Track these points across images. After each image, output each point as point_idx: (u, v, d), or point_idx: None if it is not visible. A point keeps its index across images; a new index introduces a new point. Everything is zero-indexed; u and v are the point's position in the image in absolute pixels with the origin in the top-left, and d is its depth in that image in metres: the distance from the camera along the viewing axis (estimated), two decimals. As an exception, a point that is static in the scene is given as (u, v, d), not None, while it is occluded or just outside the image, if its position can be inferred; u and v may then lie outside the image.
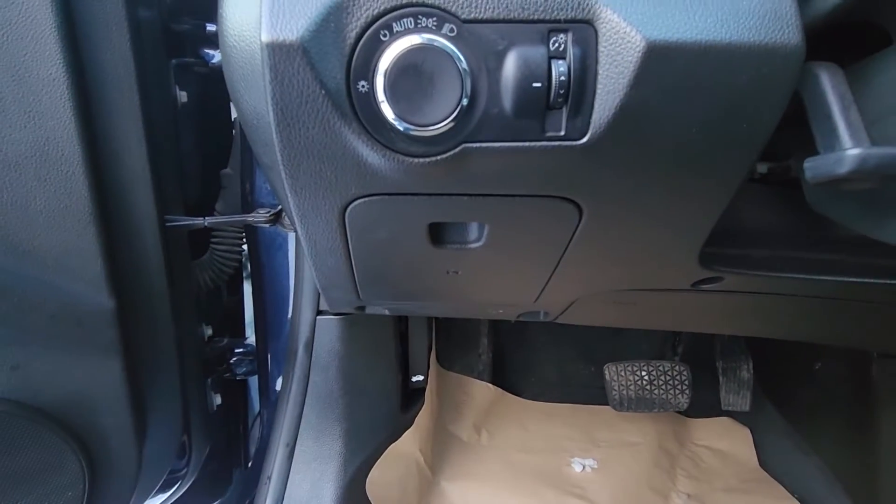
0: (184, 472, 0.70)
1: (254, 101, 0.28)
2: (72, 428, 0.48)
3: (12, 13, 0.38)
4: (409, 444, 0.77)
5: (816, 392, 0.95)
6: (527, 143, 0.27)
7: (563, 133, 0.27)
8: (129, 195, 0.48)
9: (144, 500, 0.61)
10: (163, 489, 0.68)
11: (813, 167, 0.28)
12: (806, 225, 0.47)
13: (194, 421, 0.65)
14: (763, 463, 0.99)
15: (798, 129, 0.32)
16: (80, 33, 0.41)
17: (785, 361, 1.00)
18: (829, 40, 0.29)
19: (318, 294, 0.63)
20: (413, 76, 0.24)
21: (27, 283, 0.43)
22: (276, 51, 0.23)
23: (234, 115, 0.66)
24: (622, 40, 0.25)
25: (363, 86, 0.25)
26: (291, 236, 0.68)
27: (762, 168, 0.45)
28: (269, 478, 0.66)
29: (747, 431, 1.02)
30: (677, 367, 0.96)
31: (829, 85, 0.28)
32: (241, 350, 0.77)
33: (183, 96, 0.58)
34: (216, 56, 0.61)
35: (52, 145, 0.41)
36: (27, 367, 0.45)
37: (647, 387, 0.95)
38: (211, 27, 0.59)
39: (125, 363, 0.49)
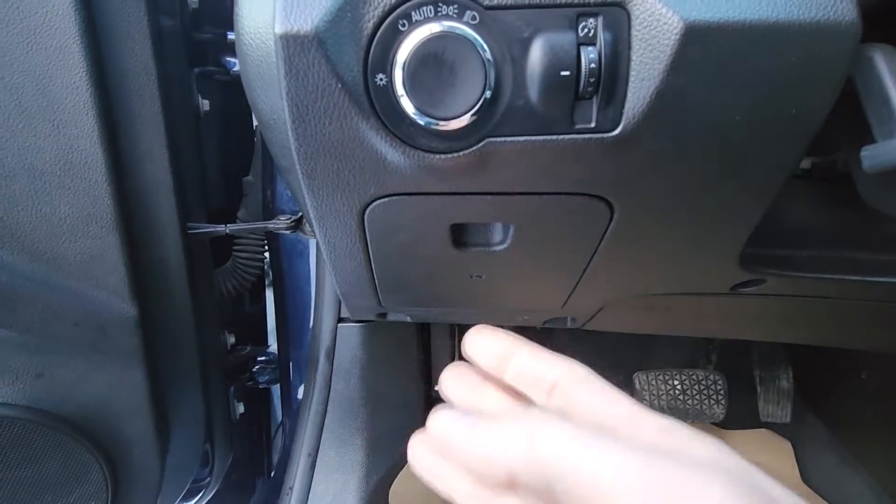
0: (207, 480, 0.70)
1: (270, 99, 0.28)
2: (95, 436, 0.48)
3: (36, 22, 0.38)
4: (432, 456, 0.75)
5: (863, 402, 0.89)
6: (554, 137, 0.25)
7: (593, 125, 0.25)
8: (152, 203, 0.48)
9: (168, 510, 0.61)
10: (186, 498, 0.68)
11: (871, 156, 0.25)
12: (855, 223, 0.44)
13: (217, 430, 0.65)
14: (806, 478, 0.94)
15: (846, 119, 0.30)
16: (103, 42, 0.42)
17: (828, 370, 0.94)
18: (883, 21, 0.27)
19: (340, 301, 0.62)
20: (433, 67, 0.23)
21: (51, 291, 0.43)
22: (291, 43, 0.22)
23: (255, 122, 0.66)
24: (657, 22, 0.23)
25: (381, 79, 0.23)
26: (312, 243, 0.67)
27: (806, 163, 0.42)
28: (291, 488, 0.65)
29: (788, 444, 0.97)
30: (712, 376, 0.92)
31: (886, 67, 0.26)
32: (263, 358, 0.77)
33: (205, 104, 0.58)
34: (237, 64, 0.61)
35: (76, 153, 0.42)
36: (51, 375, 0.45)
37: (680, 396, 0.91)
38: (232, 35, 0.59)
39: (148, 371, 0.49)
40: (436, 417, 0.23)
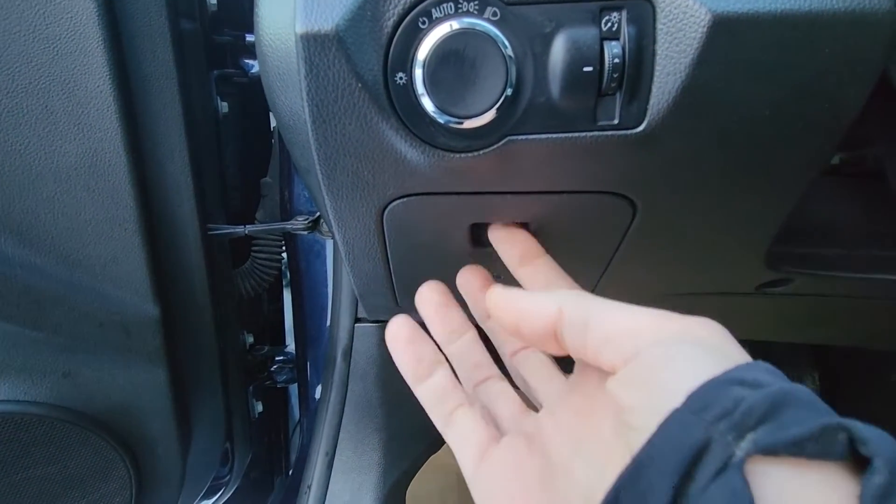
0: (227, 478, 0.71)
1: (290, 100, 0.28)
2: (120, 435, 0.49)
3: (62, 28, 0.39)
4: (449, 456, 0.75)
5: (891, 406, 0.87)
6: (577, 134, 0.25)
7: (616, 121, 0.25)
8: (173, 204, 0.48)
9: (189, 507, 0.62)
10: (206, 496, 0.69)
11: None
12: (885, 220, 0.43)
13: (237, 428, 0.66)
14: (833, 483, 0.91)
15: (878, 113, 0.28)
16: (126, 46, 0.42)
17: (856, 372, 0.92)
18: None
19: (357, 301, 0.62)
20: (454, 65, 0.23)
21: (77, 292, 0.44)
22: (311, 42, 0.22)
23: (273, 123, 0.67)
24: (684, 15, 0.22)
25: (401, 77, 0.23)
26: (329, 243, 0.67)
27: (834, 158, 0.41)
28: (309, 487, 0.66)
29: None
30: (733, 378, 0.90)
31: (923, 58, 0.25)
32: (281, 358, 0.78)
33: (224, 107, 0.59)
34: (255, 66, 0.62)
35: (100, 156, 0.42)
36: (77, 374, 0.46)
37: (701, 398, 0.90)
38: (250, 38, 0.60)
39: (170, 371, 0.49)
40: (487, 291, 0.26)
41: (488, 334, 0.30)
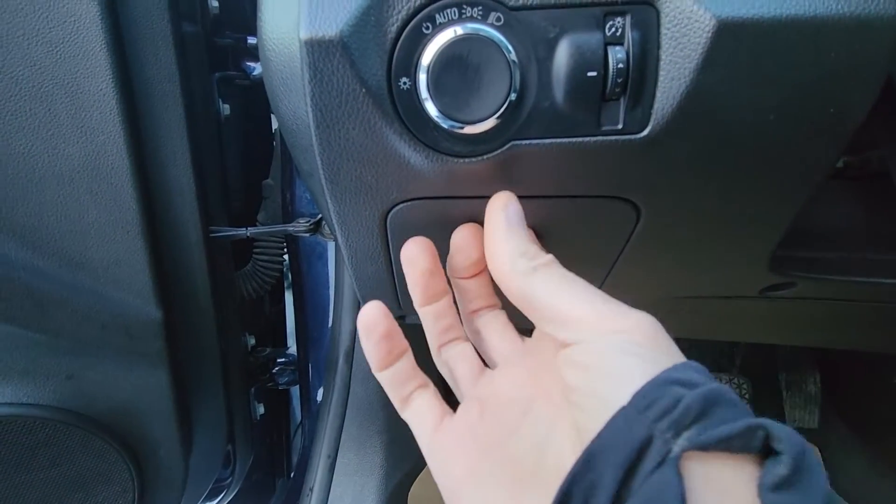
0: (229, 481, 0.71)
1: (293, 104, 0.28)
2: (122, 437, 0.49)
3: (64, 32, 0.39)
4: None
5: (893, 408, 0.86)
6: (581, 139, 0.25)
7: (620, 126, 0.25)
8: (175, 207, 0.48)
9: (191, 509, 0.62)
10: (208, 498, 0.69)
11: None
12: (889, 224, 0.43)
13: (238, 430, 0.66)
14: (835, 485, 0.91)
15: (883, 117, 0.28)
16: (129, 50, 0.42)
17: (857, 374, 0.92)
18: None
19: (359, 304, 0.62)
20: (458, 70, 0.23)
21: (80, 295, 0.44)
22: (315, 48, 0.22)
23: (275, 126, 0.67)
24: (688, 20, 0.22)
25: (405, 83, 0.23)
26: (331, 245, 0.67)
27: (838, 161, 0.41)
28: (311, 489, 0.66)
29: (815, 450, 0.94)
30: (736, 380, 0.90)
31: (929, 62, 0.25)
32: (283, 360, 0.78)
33: (226, 109, 0.59)
34: (257, 68, 0.62)
35: (103, 159, 0.42)
36: (80, 376, 0.46)
37: (703, 400, 0.89)
38: (252, 40, 0.60)
39: (172, 373, 0.49)
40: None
41: (456, 292, 0.31)
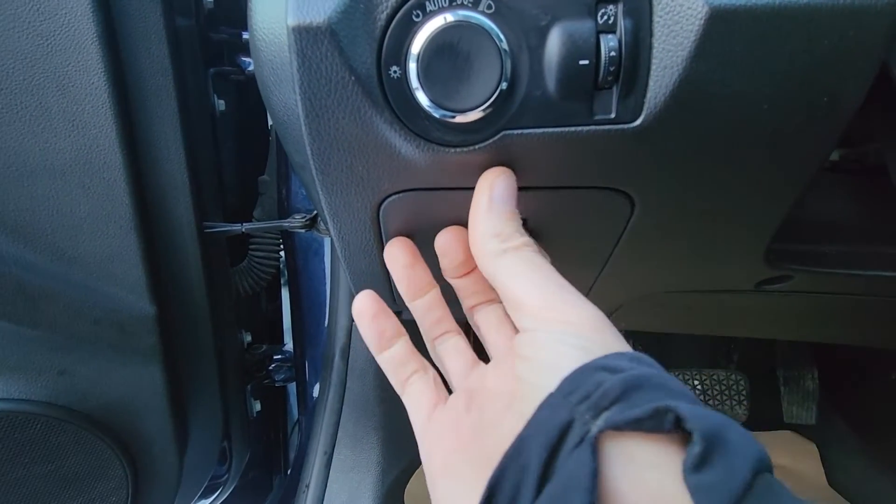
0: (225, 477, 0.71)
1: (284, 95, 0.27)
2: (116, 433, 0.49)
3: (55, 24, 0.39)
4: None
5: (892, 404, 0.86)
6: (573, 129, 0.25)
7: (613, 116, 0.24)
8: (169, 202, 0.48)
9: (187, 506, 0.62)
10: (204, 495, 0.69)
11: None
12: (886, 216, 0.43)
13: (234, 427, 0.65)
14: (832, 481, 0.91)
15: (879, 108, 0.28)
16: (121, 43, 0.42)
17: (856, 370, 0.92)
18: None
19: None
20: (448, 58, 0.23)
21: (72, 290, 0.44)
22: (303, 35, 0.22)
23: (270, 121, 0.67)
24: (681, 8, 0.22)
25: (395, 71, 0.23)
26: (327, 241, 0.67)
27: (834, 154, 0.41)
28: (308, 486, 0.66)
29: (813, 447, 0.94)
30: (733, 376, 0.90)
31: (924, 51, 0.24)
32: (279, 357, 0.77)
33: (221, 104, 0.58)
34: (252, 64, 0.61)
35: (95, 153, 0.42)
36: (73, 372, 0.46)
37: (701, 397, 0.89)
38: (247, 35, 0.60)
39: (166, 369, 0.49)
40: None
41: (456, 290, 0.32)
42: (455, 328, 0.31)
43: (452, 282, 0.31)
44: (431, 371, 0.30)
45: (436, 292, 0.31)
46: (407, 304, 0.31)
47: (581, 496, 0.17)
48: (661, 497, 0.18)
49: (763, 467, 0.17)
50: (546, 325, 0.23)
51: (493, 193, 0.25)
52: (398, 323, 0.31)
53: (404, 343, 0.30)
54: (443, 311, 0.31)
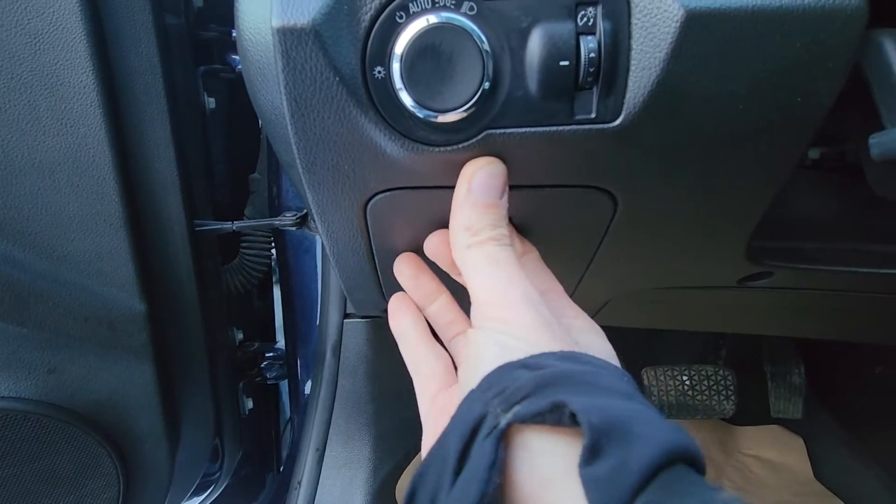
0: (217, 475, 0.71)
1: (270, 94, 0.28)
2: (107, 431, 0.49)
3: (44, 23, 0.39)
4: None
5: (877, 398, 0.88)
6: (554, 128, 0.25)
7: (593, 115, 0.25)
8: (159, 200, 0.48)
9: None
10: (197, 493, 0.69)
11: (879, 143, 0.25)
12: (865, 214, 0.43)
13: (226, 425, 0.66)
14: (819, 474, 0.92)
15: (855, 108, 0.29)
16: (110, 41, 0.42)
17: (841, 365, 0.93)
18: (893, 4, 0.26)
19: (345, 297, 0.62)
20: (431, 59, 0.23)
21: (62, 288, 0.44)
22: (288, 36, 0.22)
23: (260, 120, 0.67)
24: (657, 10, 0.23)
25: (379, 71, 0.23)
26: (318, 240, 0.67)
27: (814, 153, 0.42)
28: (300, 483, 0.66)
29: (800, 440, 0.96)
30: (721, 372, 0.91)
31: (895, 53, 0.25)
32: (271, 354, 0.77)
33: (211, 102, 0.58)
34: (242, 62, 0.61)
35: (84, 151, 0.42)
36: (63, 370, 0.46)
37: (689, 392, 0.91)
38: (237, 33, 0.59)
39: (157, 367, 0.49)
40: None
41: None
42: (467, 328, 0.32)
43: (459, 279, 0.32)
44: (445, 356, 0.32)
45: (446, 297, 0.32)
46: (422, 311, 0.33)
47: (478, 486, 0.18)
48: (551, 484, 0.19)
49: (673, 458, 0.17)
50: (484, 323, 0.24)
51: (472, 185, 0.26)
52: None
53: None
54: (455, 313, 0.32)
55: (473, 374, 0.23)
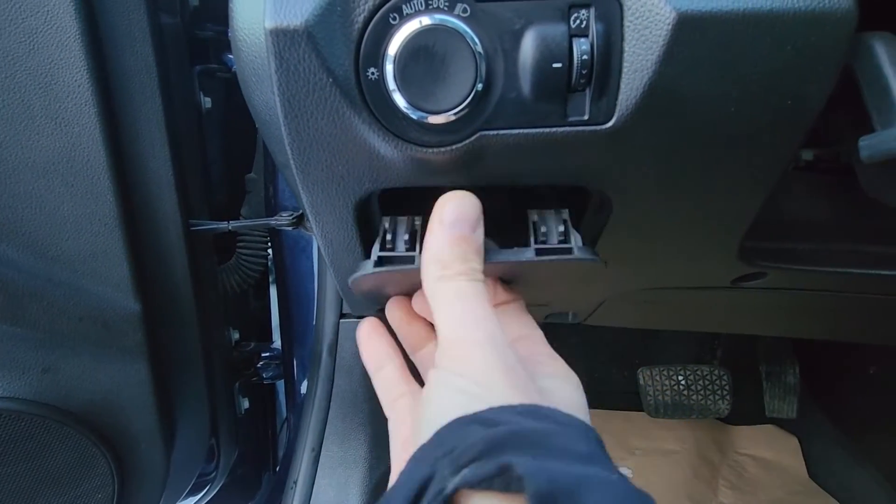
0: (213, 475, 0.71)
1: (264, 95, 0.28)
2: (101, 431, 0.49)
3: (38, 21, 0.38)
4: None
5: (871, 398, 0.88)
6: (547, 130, 0.25)
7: (586, 117, 0.25)
8: (154, 200, 0.48)
9: None
10: (192, 492, 0.69)
11: (869, 146, 0.25)
12: (858, 215, 0.44)
13: (222, 425, 0.66)
14: (813, 474, 0.93)
15: (847, 110, 0.29)
16: (105, 41, 0.42)
17: (835, 365, 0.94)
18: (883, 7, 0.26)
19: (341, 297, 0.62)
20: (424, 60, 0.23)
21: (56, 287, 0.44)
22: (281, 37, 0.22)
23: (256, 119, 0.66)
24: (650, 13, 0.23)
25: (372, 73, 0.24)
26: (315, 239, 0.67)
27: (808, 155, 0.42)
28: (295, 483, 0.66)
29: (795, 440, 0.96)
30: (717, 371, 0.92)
31: (885, 56, 0.25)
32: (267, 354, 0.77)
33: (207, 102, 0.58)
34: (238, 61, 0.61)
35: (78, 151, 0.42)
36: (57, 370, 0.46)
37: (685, 392, 0.91)
38: (232, 33, 0.59)
39: (152, 366, 0.49)
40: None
41: None
42: None
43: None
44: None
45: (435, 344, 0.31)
46: (409, 356, 0.32)
47: None
48: None
49: None
50: (443, 362, 0.23)
51: (443, 216, 0.25)
52: (391, 345, 0.32)
53: (394, 366, 0.31)
54: None
55: (427, 425, 0.21)
